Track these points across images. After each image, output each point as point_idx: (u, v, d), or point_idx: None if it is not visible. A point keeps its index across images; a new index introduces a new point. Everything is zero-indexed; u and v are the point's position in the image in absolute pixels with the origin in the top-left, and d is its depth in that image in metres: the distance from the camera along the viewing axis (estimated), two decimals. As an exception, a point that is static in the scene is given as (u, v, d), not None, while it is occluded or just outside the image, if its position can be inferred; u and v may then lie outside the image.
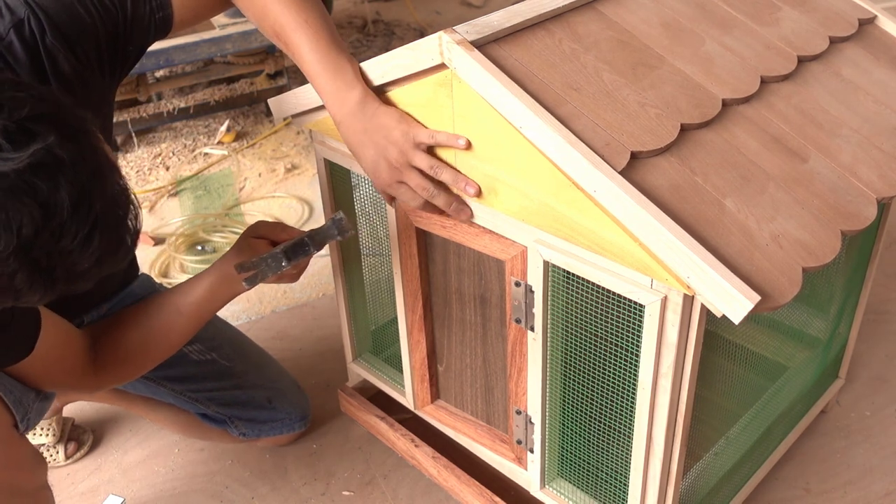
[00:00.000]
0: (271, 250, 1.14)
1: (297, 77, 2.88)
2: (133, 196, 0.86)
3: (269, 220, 2.21)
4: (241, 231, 2.14)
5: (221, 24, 2.55)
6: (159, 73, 2.98)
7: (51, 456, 1.51)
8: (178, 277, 2.02)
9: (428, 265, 1.21)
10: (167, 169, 2.54)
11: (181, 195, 2.41)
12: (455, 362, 1.27)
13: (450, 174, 1.02)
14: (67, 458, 1.52)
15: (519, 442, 1.18)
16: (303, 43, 1.04)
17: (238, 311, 1.90)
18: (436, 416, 1.34)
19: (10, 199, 0.73)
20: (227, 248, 2.09)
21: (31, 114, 0.75)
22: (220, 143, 2.66)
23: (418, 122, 1.03)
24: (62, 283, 0.81)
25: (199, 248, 2.15)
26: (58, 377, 1.12)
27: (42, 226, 0.75)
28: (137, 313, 1.20)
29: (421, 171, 1.03)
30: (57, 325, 1.09)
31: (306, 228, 2.22)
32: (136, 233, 0.87)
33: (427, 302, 1.24)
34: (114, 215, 0.82)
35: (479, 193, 1.03)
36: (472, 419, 1.30)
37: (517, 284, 1.04)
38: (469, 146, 1.00)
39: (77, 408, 1.62)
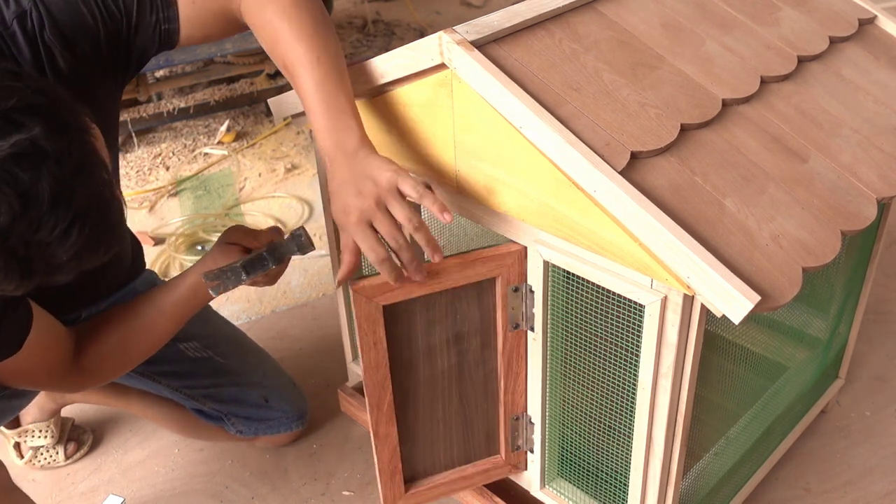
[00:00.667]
0: (231, 263, 1.15)
1: (297, 77, 2.88)
2: (120, 195, 0.87)
3: (270, 220, 2.23)
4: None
5: (221, 24, 2.55)
6: (159, 73, 2.98)
7: (50, 456, 1.51)
8: (178, 277, 2.03)
9: (392, 345, 1.07)
10: (167, 169, 2.54)
11: (181, 195, 2.41)
12: (423, 428, 1.16)
13: (425, 235, 0.95)
14: (67, 458, 1.52)
15: (518, 447, 1.17)
16: (310, 81, 1.00)
17: (238, 311, 1.90)
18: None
19: None
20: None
21: (20, 104, 0.76)
22: (220, 143, 2.66)
23: (407, 172, 0.96)
24: (40, 274, 0.82)
25: (199, 248, 2.15)
26: (41, 376, 1.12)
27: (20, 215, 0.76)
28: (120, 312, 1.21)
29: (391, 220, 0.95)
30: (44, 323, 1.09)
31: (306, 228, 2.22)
32: (120, 231, 0.87)
33: (395, 387, 1.10)
34: (96, 212, 0.82)
35: (443, 260, 0.98)
36: (451, 472, 1.21)
37: (515, 290, 1.04)
38: (451, 220, 0.93)
39: (77, 408, 1.62)
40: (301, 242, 1.16)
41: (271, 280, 1.22)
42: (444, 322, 1.07)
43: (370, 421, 1.09)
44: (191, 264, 2.03)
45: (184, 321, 1.22)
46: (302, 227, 1.17)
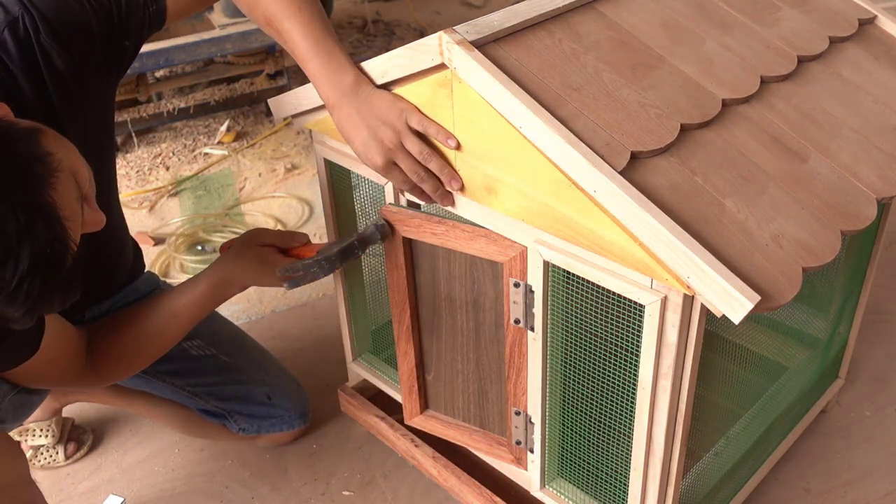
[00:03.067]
0: (316, 256, 1.15)
1: (297, 77, 2.88)
2: (71, 243, 0.85)
3: (270, 220, 2.23)
4: (242, 231, 2.15)
5: (221, 24, 2.55)
6: (159, 73, 2.98)
7: (50, 456, 1.51)
8: (179, 277, 2.02)
9: (415, 274, 1.20)
10: (167, 169, 2.54)
11: (181, 195, 2.41)
12: (445, 369, 1.26)
13: (437, 163, 1.03)
14: (67, 458, 1.52)
15: (518, 443, 1.18)
16: (295, 29, 1.04)
17: (238, 311, 1.90)
18: (426, 427, 1.32)
19: None
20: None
21: None
22: (220, 143, 2.66)
23: (413, 104, 1.03)
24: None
25: (199, 248, 2.15)
26: (55, 376, 1.13)
27: None
28: (133, 313, 1.22)
29: (412, 155, 1.03)
30: (56, 323, 1.09)
31: (305, 229, 2.22)
32: (74, 281, 0.86)
33: (414, 312, 1.22)
34: (45, 269, 0.81)
35: (462, 188, 1.03)
36: (466, 425, 1.29)
37: (516, 285, 1.04)
38: (459, 147, 1.00)
39: (77, 408, 1.62)
40: (384, 231, 1.16)
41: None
42: (463, 282, 1.14)
43: (395, 336, 1.26)
44: (191, 264, 2.05)
45: (195, 323, 1.24)
46: (383, 217, 1.17)
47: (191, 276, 1.25)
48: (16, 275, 0.78)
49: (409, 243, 1.16)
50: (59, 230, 0.83)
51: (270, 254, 1.20)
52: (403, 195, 1.15)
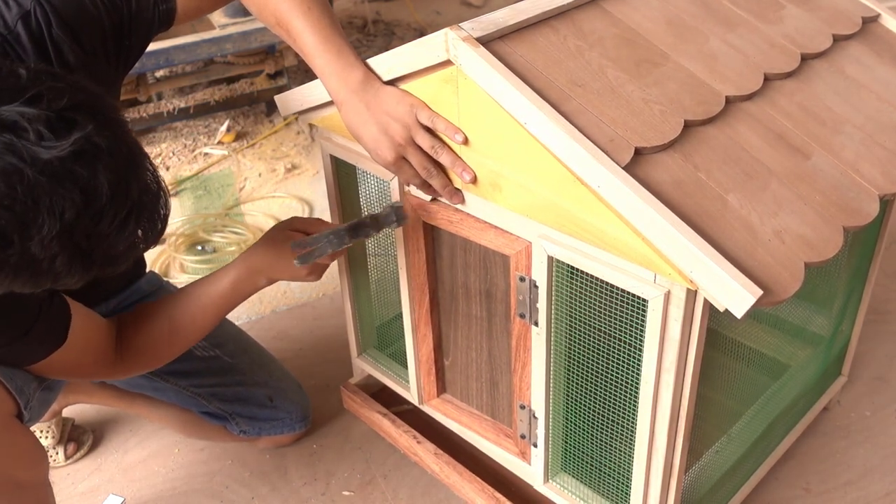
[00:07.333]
0: (333, 228, 1.15)
1: (297, 77, 2.88)
2: (163, 182, 0.89)
3: (271, 220, 2.23)
4: (242, 231, 2.16)
5: (221, 24, 2.55)
6: (159, 73, 2.98)
7: (50, 457, 1.51)
8: (178, 277, 2.02)
9: (435, 260, 1.21)
10: (167, 169, 2.54)
11: (181, 195, 2.41)
12: (461, 356, 1.27)
13: (448, 157, 1.03)
14: (67, 458, 1.52)
15: (523, 436, 1.18)
16: (304, 27, 1.05)
17: (238, 311, 1.90)
18: (441, 410, 1.34)
19: (53, 185, 0.76)
20: (229, 248, 2.09)
21: (70, 103, 0.78)
22: (220, 143, 2.66)
23: (421, 100, 1.03)
24: (98, 265, 0.84)
25: (199, 248, 2.14)
26: (88, 366, 1.14)
27: (83, 210, 0.78)
28: (164, 304, 1.22)
29: (421, 150, 1.04)
30: (82, 313, 1.10)
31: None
32: (165, 217, 0.90)
33: (434, 296, 1.24)
34: (146, 200, 0.85)
35: (474, 180, 1.03)
36: (478, 413, 1.30)
37: (521, 279, 1.04)
38: (466, 142, 1.00)
39: (77, 408, 1.62)
40: (400, 213, 1.16)
41: (321, 273, 1.24)
42: (478, 272, 1.16)
43: (412, 319, 1.27)
44: (191, 264, 2.05)
45: (225, 314, 1.24)
46: (399, 200, 1.17)
47: (191, 276, 1.25)
48: (126, 204, 0.81)
49: (430, 229, 1.18)
50: (150, 164, 0.86)
51: (298, 238, 1.20)
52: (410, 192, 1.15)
